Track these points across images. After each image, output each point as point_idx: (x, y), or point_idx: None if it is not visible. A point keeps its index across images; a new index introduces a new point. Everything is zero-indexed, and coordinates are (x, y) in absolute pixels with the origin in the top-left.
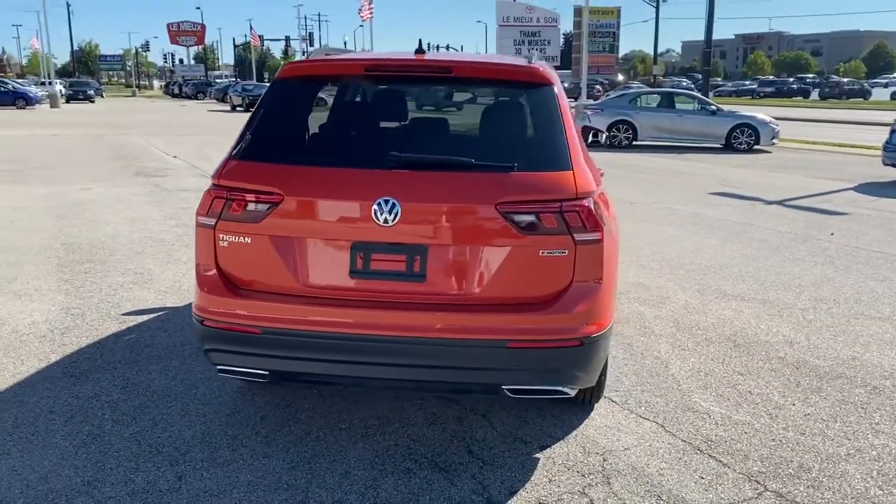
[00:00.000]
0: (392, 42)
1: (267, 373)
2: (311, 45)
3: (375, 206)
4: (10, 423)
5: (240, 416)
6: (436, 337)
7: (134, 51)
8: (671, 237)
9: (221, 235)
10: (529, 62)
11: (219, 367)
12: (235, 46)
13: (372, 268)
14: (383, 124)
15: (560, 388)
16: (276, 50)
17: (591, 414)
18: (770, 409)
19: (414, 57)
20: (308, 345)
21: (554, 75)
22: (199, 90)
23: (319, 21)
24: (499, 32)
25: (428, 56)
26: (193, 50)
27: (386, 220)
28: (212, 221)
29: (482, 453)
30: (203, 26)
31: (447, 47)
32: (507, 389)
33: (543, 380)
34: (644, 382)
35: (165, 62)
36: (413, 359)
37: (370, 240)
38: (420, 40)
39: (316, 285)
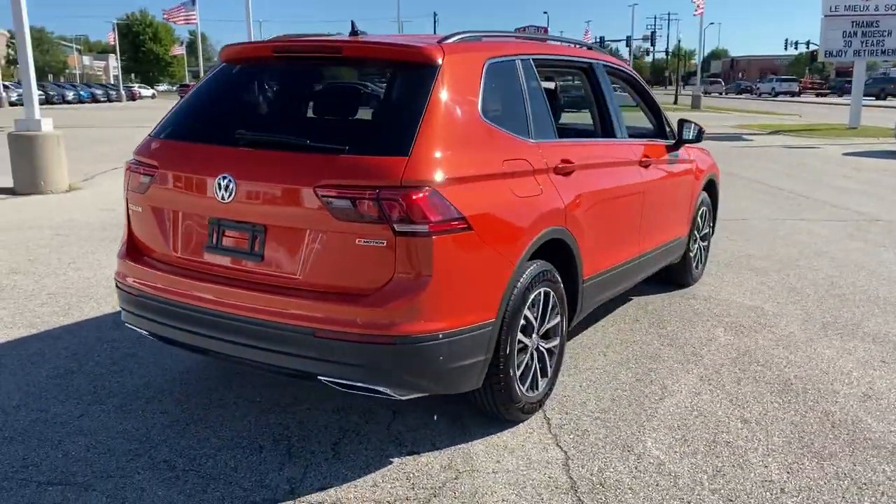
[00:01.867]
0: (739, 41)
1: (147, 333)
2: (653, 44)
3: (216, 183)
4: (32, 351)
5: (191, 375)
6: (259, 318)
7: None
8: (876, 263)
9: (130, 205)
10: (442, 41)
11: (125, 323)
12: None
13: (224, 244)
14: (260, 103)
15: (378, 389)
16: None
17: (508, 429)
18: (725, 468)
19: (315, 38)
20: (169, 312)
21: (456, 53)
22: None
23: (669, 20)
24: (824, 24)
25: (324, 36)
26: None
27: (223, 197)
28: (125, 192)
29: (345, 448)
30: (546, 30)
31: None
32: (325, 380)
33: (356, 376)
34: (610, 409)
35: None
36: (244, 338)
37: (217, 216)
38: (353, 22)
39: (182, 256)
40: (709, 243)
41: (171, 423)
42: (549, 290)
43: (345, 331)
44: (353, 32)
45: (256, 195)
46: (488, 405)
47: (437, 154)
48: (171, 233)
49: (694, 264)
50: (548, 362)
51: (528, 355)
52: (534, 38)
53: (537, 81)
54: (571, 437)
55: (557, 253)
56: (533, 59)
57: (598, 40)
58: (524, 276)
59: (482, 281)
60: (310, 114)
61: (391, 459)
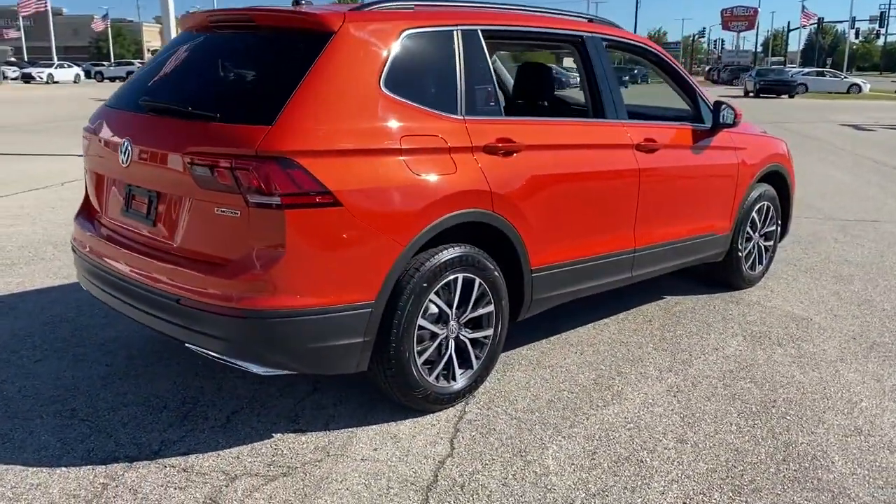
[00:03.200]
0: None
1: (84, 288)
2: (882, 25)
3: (120, 147)
4: (51, 298)
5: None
6: (144, 282)
7: (691, 38)
8: None
9: (84, 168)
10: (356, 9)
11: (78, 281)
12: (790, 30)
13: (133, 207)
14: (179, 71)
15: (237, 363)
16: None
17: (412, 419)
18: (614, 488)
19: (237, 8)
20: (91, 271)
21: (360, 22)
22: (734, 76)
23: None
24: None
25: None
26: (746, 35)
27: (123, 161)
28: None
29: (239, 418)
30: (755, 10)
31: None
32: (193, 349)
33: (215, 347)
34: (539, 411)
35: (714, 48)
36: (138, 301)
37: (126, 180)
38: None
39: (107, 217)
40: (775, 243)
41: (107, 375)
42: (472, 276)
43: (203, 301)
44: (296, 2)
45: (146, 160)
46: (385, 390)
47: (307, 124)
48: (100, 196)
49: (746, 265)
50: (472, 353)
51: (441, 344)
52: (499, 7)
53: (483, 53)
54: (473, 434)
55: (491, 238)
56: (482, 30)
57: (816, 21)
58: (431, 259)
59: (356, 261)
60: (210, 81)
61: (273, 435)
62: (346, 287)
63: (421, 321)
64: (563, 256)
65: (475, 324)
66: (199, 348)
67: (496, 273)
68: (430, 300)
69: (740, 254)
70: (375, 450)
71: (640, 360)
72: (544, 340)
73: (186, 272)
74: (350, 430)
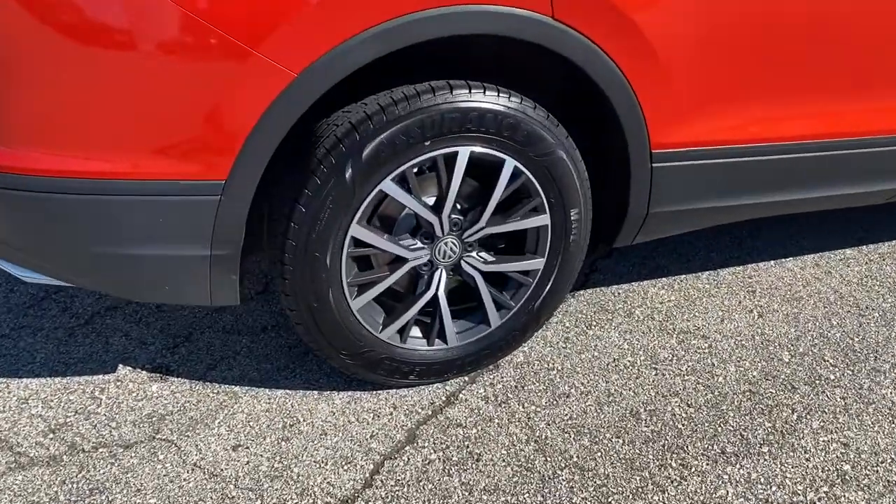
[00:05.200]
0: None
1: None
2: None
3: None
4: None
5: None
6: None
7: None
8: None
9: None
10: None
11: None
12: None
13: None
14: None
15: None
16: None
17: (353, 389)
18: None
19: None
20: None
21: None
22: None
23: None
24: None
25: None
26: None
27: None
28: None
29: (96, 327)
30: None
31: None
32: None
33: None
34: (596, 430)
35: None
36: None
37: None
38: None
39: None
40: None
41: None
42: (496, 154)
43: None
44: None
45: None
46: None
47: None
48: None
49: None
50: (488, 295)
51: (419, 273)
52: None
53: None
54: (430, 457)
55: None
56: None
57: None
58: (386, 112)
59: (178, 89)
60: None
61: (110, 371)
62: (158, 144)
63: (357, 229)
64: (730, 135)
65: (513, 244)
66: None
67: (560, 152)
68: (384, 190)
69: None
70: (235, 448)
71: (870, 356)
72: (684, 276)
73: None
74: (234, 389)
